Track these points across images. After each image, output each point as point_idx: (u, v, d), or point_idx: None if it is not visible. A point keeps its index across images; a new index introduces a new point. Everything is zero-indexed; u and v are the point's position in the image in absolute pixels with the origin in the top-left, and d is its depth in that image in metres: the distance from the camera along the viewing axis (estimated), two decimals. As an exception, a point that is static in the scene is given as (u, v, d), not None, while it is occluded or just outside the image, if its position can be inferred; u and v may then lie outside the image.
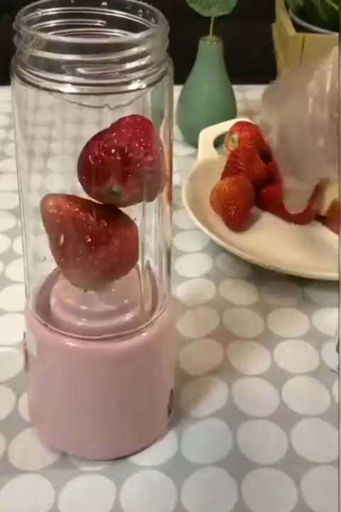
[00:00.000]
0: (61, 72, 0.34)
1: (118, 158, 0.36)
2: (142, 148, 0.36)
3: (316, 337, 0.55)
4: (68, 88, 0.34)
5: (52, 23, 0.36)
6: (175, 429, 0.46)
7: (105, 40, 0.35)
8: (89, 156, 0.36)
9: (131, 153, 0.36)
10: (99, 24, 0.37)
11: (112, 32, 0.37)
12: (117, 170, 0.36)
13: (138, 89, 0.35)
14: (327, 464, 0.44)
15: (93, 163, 0.36)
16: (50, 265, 0.41)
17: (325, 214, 0.67)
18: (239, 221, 0.65)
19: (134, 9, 0.37)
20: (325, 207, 0.66)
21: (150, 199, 0.39)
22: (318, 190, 0.67)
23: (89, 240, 0.38)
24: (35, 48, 0.34)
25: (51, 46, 0.33)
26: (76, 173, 0.37)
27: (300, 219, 0.66)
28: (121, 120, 0.36)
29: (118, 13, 0.37)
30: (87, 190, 0.37)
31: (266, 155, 0.71)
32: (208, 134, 0.76)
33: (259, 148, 0.71)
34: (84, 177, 0.37)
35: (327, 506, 0.42)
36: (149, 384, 0.43)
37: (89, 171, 0.36)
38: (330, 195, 0.66)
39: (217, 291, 0.59)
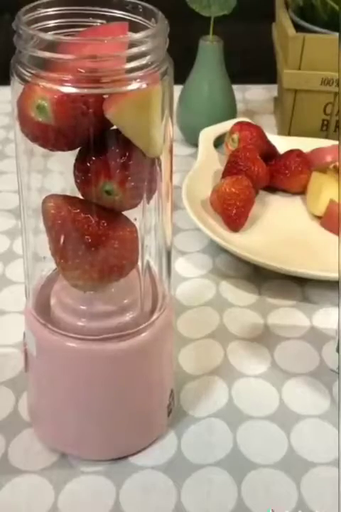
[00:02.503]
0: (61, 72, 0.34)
1: (108, 155, 0.36)
2: (130, 144, 0.36)
3: (316, 337, 0.55)
4: (68, 88, 0.34)
5: (52, 23, 0.36)
6: (175, 429, 0.46)
7: (105, 40, 0.35)
8: (82, 156, 0.37)
9: (119, 149, 0.36)
10: (99, 24, 0.37)
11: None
12: (107, 167, 0.36)
13: (138, 89, 0.35)
14: (327, 464, 0.44)
15: (84, 162, 0.36)
16: (50, 265, 0.41)
17: (321, 214, 0.67)
18: (239, 221, 0.65)
19: (134, 9, 0.37)
20: (321, 207, 0.66)
21: (147, 198, 0.39)
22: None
23: (89, 241, 0.38)
24: (35, 47, 0.34)
25: (51, 46, 0.34)
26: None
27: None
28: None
29: (118, 13, 0.37)
30: (83, 193, 0.38)
31: (266, 155, 0.72)
32: (208, 134, 0.76)
33: (259, 148, 0.72)
34: (78, 180, 0.37)
35: (327, 506, 0.42)
36: (149, 384, 0.43)
37: (82, 170, 0.37)
38: (326, 196, 0.66)
39: (217, 291, 0.59)
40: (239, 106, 0.86)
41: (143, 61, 0.34)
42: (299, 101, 0.79)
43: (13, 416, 0.47)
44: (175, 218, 0.66)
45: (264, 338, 0.54)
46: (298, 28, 0.77)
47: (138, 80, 0.35)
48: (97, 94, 0.34)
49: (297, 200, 0.71)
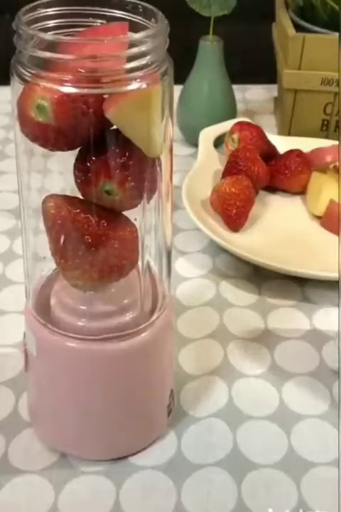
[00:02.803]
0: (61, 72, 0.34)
1: (108, 155, 0.36)
2: (130, 144, 0.36)
3: (316, 337, 0.55)
4: (68, 88, 0.34)
5: (52, 23, 0.36)
6: (175, 429, 0.46)
7: (105, 40, 0.35)
8: (82, 156, 0.37)
9: (119, 149, 0.36)
10: (99, 24, 0.37)
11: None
12: (107, 167, 0.36)
13: (138, 89, 0.35)
14: (327, 464, 0.44)
15: (84, 162, 0.36)
16: (50, 265, 0.41)
17: (321, 214, 0.67)
18: (239, 221, 0.65)
19: (134, 9, 0.37)
20: (321, 207, 0.66)
21: (147, 198, 0.39)
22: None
23: (89, 241, 0.38)
24: (35, 47, 0.34)
25: (51, 46, 0.34)
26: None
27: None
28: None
29: (118, 13, 0.37)
30: (83, 193, 0.38)
31: (266, 155, 0.72)
32: (208, 134, 0.76)
33: (259, 148, 0.72)
34: (78, 180, 0.37)
35: (327, 506, 0.42)
36: (149, 384, 0.43)
37: (82, 170, 0.37)
38: (326, 196, 0.66)
39: (217, 291, 0.59)
40: (239, 106, 0.86)
41: (143, 61, 0.34)
42: (299, 101, 0.79)
43: (13, 416, 0.47)
44: (175, 218, 0.66)
45: (264, 338, 0.54)
46: (298, 28, 0.77)
47: (138, 80, 0.35)
48: (97, 94, 0.34)
49: (297, 200, 0.71)
